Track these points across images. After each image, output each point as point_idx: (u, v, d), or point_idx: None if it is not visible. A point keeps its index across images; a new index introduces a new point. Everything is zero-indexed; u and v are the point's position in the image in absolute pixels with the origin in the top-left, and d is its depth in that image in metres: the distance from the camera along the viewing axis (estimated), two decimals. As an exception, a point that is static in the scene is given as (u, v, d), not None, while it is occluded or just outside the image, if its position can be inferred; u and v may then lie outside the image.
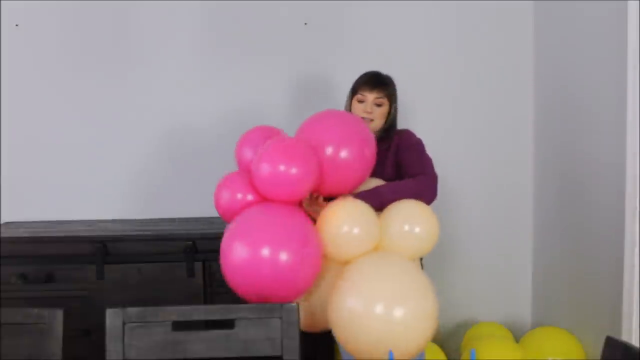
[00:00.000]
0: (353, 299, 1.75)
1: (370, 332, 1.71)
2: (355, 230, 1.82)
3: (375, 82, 2.25)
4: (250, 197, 1.94)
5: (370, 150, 2.01)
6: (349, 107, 2.29)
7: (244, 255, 1.79)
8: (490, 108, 3.12)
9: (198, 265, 2.63)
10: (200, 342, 1.58)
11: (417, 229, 1.88)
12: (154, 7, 2.98)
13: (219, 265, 2.62)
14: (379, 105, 2.23)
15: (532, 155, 3.13)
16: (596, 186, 2.56)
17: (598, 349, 1.56)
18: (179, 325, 1.58)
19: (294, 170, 1.82)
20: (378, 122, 2.24)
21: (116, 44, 3.00)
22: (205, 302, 2.61)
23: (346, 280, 1.79)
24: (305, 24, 3.02)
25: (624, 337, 2.31)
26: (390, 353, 1.74)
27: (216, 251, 2.64)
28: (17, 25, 2.95)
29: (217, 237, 2.67)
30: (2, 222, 2.98)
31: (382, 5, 3.02)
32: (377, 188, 2.05)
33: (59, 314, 1.60)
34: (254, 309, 1.61)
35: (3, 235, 2.66)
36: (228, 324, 1.59)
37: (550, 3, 2.91)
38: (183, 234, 2.68)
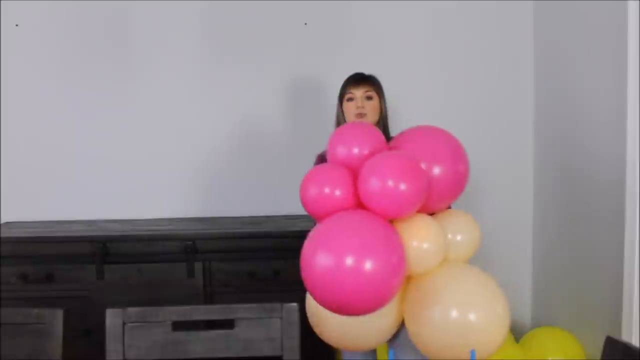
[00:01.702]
0: (434, 309, 1.78)
1: (450, 337, 1.76)
2: (425, 246, 1.81)
3: (361, 78, 2.29)
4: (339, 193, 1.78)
5: (464, 167, 1.94)
6: (340, 114, 2.29)
7: (327, 264, 1.66)
8: (490, 108, 3.12)
9: (198, 265, 2.63)
10: (200, 342, 1.58)
11: (459, 237, 1.92)
12: (154, 7, 2.97)
13: (219, 265, 2.65)
14: (369, 98, 2.25)
15: (532, 155, 3.13)
16: (596, 186, 2.56)
17: (598, 349, 1.56)
18: (179, 325, 1.58)
19: (405, 187, 1.70)
20: (371, 117, 2.24)
21: (116, 44, 3.00)
22: (205, 302, 2.61)
23: (426, 293, 1.81)
24: (305, 24, 3.02)
25: (624, 337, 2.31)
26: (391, 353, 1.74)
27: (216, 251, 2.66)
28: (17, 25, 2.95)
29: (217, 237, 2.70)
30: (2, 222, 2.99)
31: (382, 6, 3.02)
32: None
33: (59, 314, 1.60)
34: (254, 309, 1.61)
35: (3, 235, 2.66)
36: (228, 324, 1.59)
37: (550, 3, 2.91)
38: (183, 234, 2.68)
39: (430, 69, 3.06)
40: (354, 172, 1.79)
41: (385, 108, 2.31)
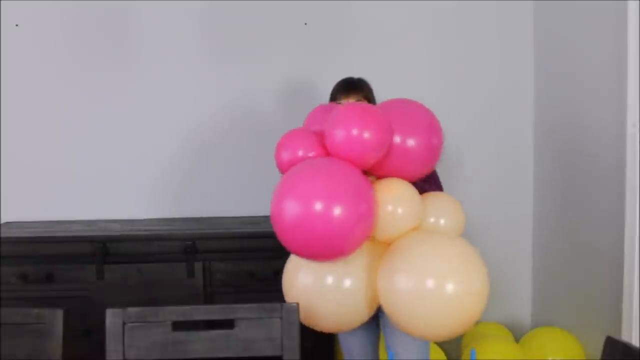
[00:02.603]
0: (405, 276, 1.73)
1: (424, 308, 1.72)
2: (400, 210, 1.79)
3: (349, 86, 2.26)
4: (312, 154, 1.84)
5: (438, 140, 1.94)
6: None
7: (296, 211, 1.71)
8: (490, 108, 3.12)
9: (198, 265, 2.63)
10: (200, 342, 1.58)
11: (442, 221, 1.90)
12: (153, 7, 2.97)
13: (218, 265, 2.65)
14: None
15: (532, 155, 3.13)
16: (596, 186, 2.56)
17: (598, 349, 1.56)
18: (179, 325, 1.58)
19: (367, 134, 1.73)
20: None
21: (115, 44, 3.00)
22: (205, 302, 2.61)
23: (396, 258, 1.77)
24: (305, 24, 3.02)
25: (624, 337, 2.31)
26: (390, 353, 1.74)
27: (216, 251, 2.66)
28: (17, 25, 2.95)
29: (217, 237, 2.70)
30: (2, 222, 2.98)
31: (382, 6, 3.02)
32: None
33: (59, 314, 1.59)
34: (254, 309, 1.61)
35: (3, 235, 2.66)
36: (228, 324, 1.59)
37: (550, 3, 2.91)
38: (183, 234, 2.68)
39: (430, 69, 3.06)
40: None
41: None
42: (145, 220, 2.99)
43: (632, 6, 2.27)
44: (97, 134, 3.02)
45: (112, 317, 1.57)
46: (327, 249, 1.72)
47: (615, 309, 2.40)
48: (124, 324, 1.57)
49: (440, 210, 1.91)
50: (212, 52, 3.02)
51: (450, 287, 1.70)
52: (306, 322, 1.87)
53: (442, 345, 2.94)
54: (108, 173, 3.03)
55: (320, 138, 1.85)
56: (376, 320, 2.26)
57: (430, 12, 3.04)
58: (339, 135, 1.75)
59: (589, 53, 2.61)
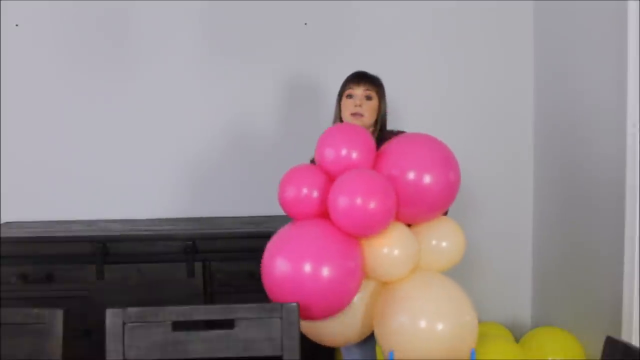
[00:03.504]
0: (403, 317, 1.81)
1: (419, 346, 1.80)
2: (396, 252, 1.83)
3: (363, 76, 2.26)
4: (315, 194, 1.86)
5: (455, 176, 1.95)
6: (338, 113, 2.27)
7: (285, 270, 1.78)
8: (490, 108, 3.12)
9: (198, 265, 2.63)
10: (200, 342, 1.58)
11: (444, 244, 1.96)
12: (153, 7, 2.97)
13: (219, 265, 2.64)
14: (368, 98, 2.21)
15: (532, 156, 3.13)
16: (596, 187, 2.56)
17: (598, 349, 1.56)
18: (179, 325, 1.58)
19: (372, 206, 1.74)
20: (368, 118, 2.21)
21: (115, 44, 3.00)
22: (205, 302, 2.61)
23: (395, 300, 1.84)
24: (305, 24, 3.02)
25: (624, 337, 2.31)
26: (391, 353, 1.74)
27: (216, 251, 2.66)
28: (17, 25, 2.95)
29: (217, 237, 2.70)
30: (2, 222, 2.98)
31: (382, 6, 3.02)
32: None
33: (59, 314, 1.60)
34: (254, 309, 1.61)
35: (3, 235, 2.66)
36: (228, 324, 1.59)
37: (550, 3, 2.91)
38: (183, 234, 2.68)
39: (430, 69, 3.06)
40: (333, 176, 1.84)
41: (385, 110, 2.27)
42: (145, 220, 2.99)
43: (632, 6, 2.26)
44: (97, 133, 3.02)
45: (112, 317, 1.57)
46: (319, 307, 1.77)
47: (615, 309, 2.40)
48: (124, 324, 1.57)
49: (442, 234, 1.96)
50: (212, 52, 3.02)
51: (440, 327, 1.78)
52: (313, 339, 1.96)
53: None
54: (108, 173, 3.03)
55: (324, 174, 1.87)
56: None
57: (430, 12, 3.04)
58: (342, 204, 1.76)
59: (589, 53, 2.60)
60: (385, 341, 1.85)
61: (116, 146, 3.03)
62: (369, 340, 2.24)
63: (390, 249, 1.82)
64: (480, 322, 3.02)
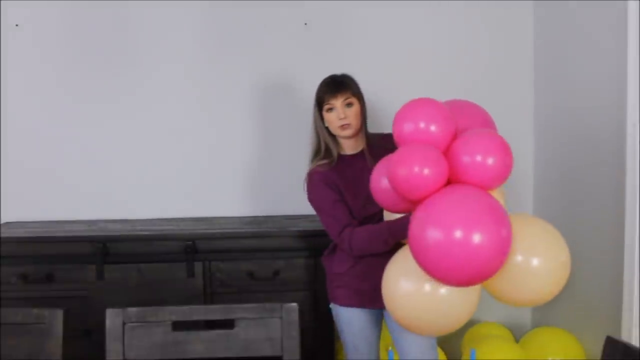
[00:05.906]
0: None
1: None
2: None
3: (336, 86, 2.20)
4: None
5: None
6: (319, 121, 2.24)
7: (438, 238, 1.69)
8: (490, 108, 3.10)
9: (198, 265, 2.63)
10: (200, 342, 1.58)
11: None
12: (154, 6, 2.97)
13: (219, 265, 2.65)
14: (349, 105, 2.19)
15: (532, 156, 3.13)
16: (596, 186, 2.56)
17: (598, 349, 1.56)
18: (179, 325, 1.58)
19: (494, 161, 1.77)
20: (355, 124, 2.19)
21: (116, 44, 2.99)
22: (205, 302, 2.61)
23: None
24: (305, 24, 3.02)
25: (624, 337, 2.31)
26: (390, 352, 1.74)
27: (216, 251, 2.66)
28: (17, 25, 2.95)
29: (217, 237, 2.70)
30: (2, 222, 2.99)
31: (383, 6, 3.02)
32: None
33: (59, 314, 1.60)
34: (254, 309, 1.61)
35: (3, 235, 2.66)
36: (228, 324, 1.59)
37: (550, 3, 2.91)
38: (183, 234, 2.68)
39: (430, 69, 3.06)
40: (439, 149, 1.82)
41: (365, 109, 2.25)
42: (145, 220, 2.99)
43: (632, 6, 2.26)
44: (97, 134, 3.02)
45: (112, 317, 1.57)
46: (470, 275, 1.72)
47: (615, 309, 2.40)
48: (124, 324, 1.57)
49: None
50: (211, 52, 3.02)
51: (535, 262, 1.80)
52: (408, 328, 1.91)
53: (442, 345, 2.94)
54: (108, 173, 3.03)
55: (443, 109, 1.87)
56: (379, 318, 2.27)
57: (431, 12, 3.04)
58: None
59: (589, 53, 2.61)
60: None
61: (116, 146, 3.02)
62: (374, 337, 2.26)
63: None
64: (480, 322, 3.05)
